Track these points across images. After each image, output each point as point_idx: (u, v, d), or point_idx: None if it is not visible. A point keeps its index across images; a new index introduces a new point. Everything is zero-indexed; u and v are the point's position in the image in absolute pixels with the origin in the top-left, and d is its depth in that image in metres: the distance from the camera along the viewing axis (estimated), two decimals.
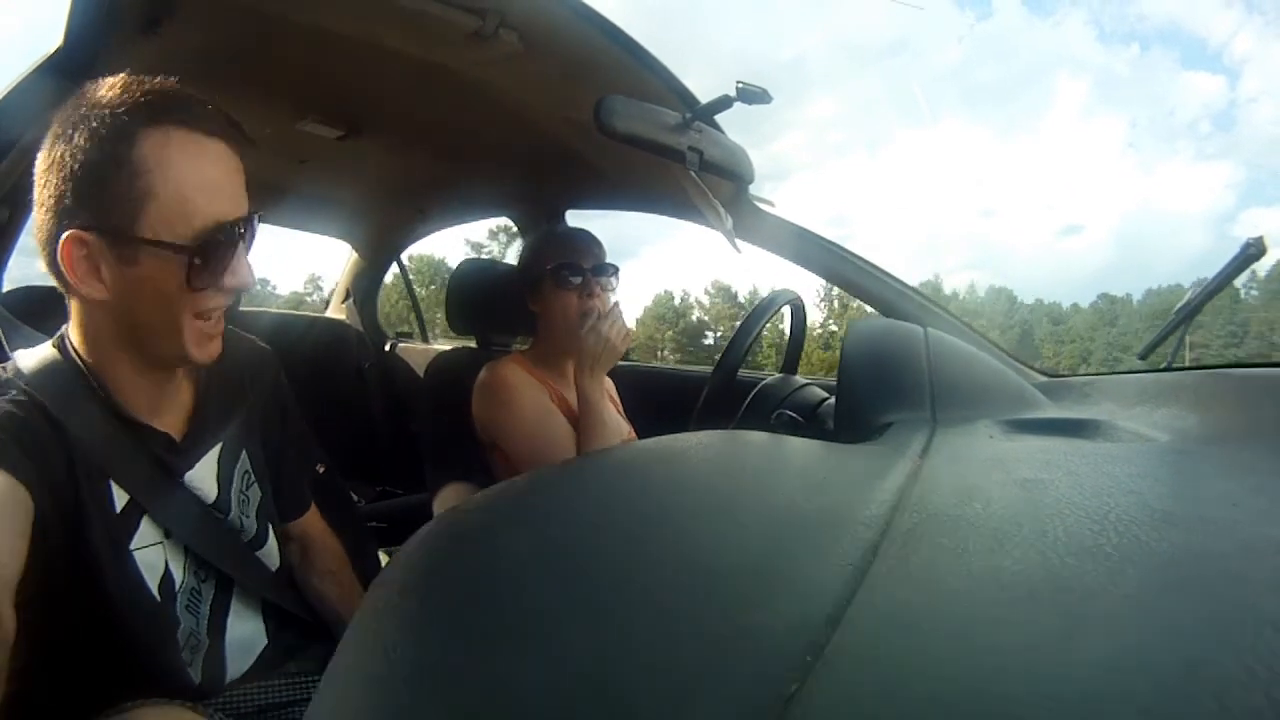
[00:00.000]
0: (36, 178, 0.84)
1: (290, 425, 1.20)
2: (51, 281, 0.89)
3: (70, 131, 0.82)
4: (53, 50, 1.11)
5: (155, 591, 0.95)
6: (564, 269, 1.59)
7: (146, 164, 0.82)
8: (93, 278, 0.83)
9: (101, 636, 0.92)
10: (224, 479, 1.04)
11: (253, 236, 0.91)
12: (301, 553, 1.23)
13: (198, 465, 1.01)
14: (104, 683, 0.91)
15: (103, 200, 0.81)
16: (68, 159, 0.81)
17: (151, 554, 0.95)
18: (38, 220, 0.85)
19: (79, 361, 0.91)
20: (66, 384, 0.89)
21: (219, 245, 0.86)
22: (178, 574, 0.98)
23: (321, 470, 1.32)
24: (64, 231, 0.82)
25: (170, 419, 0.99)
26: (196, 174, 0.85)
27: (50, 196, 0.83)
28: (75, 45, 1.11)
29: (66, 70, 1.11)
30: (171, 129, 0.83)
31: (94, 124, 0.81)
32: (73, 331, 0.91)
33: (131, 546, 0.93)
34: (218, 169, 0.87)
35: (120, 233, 0.82)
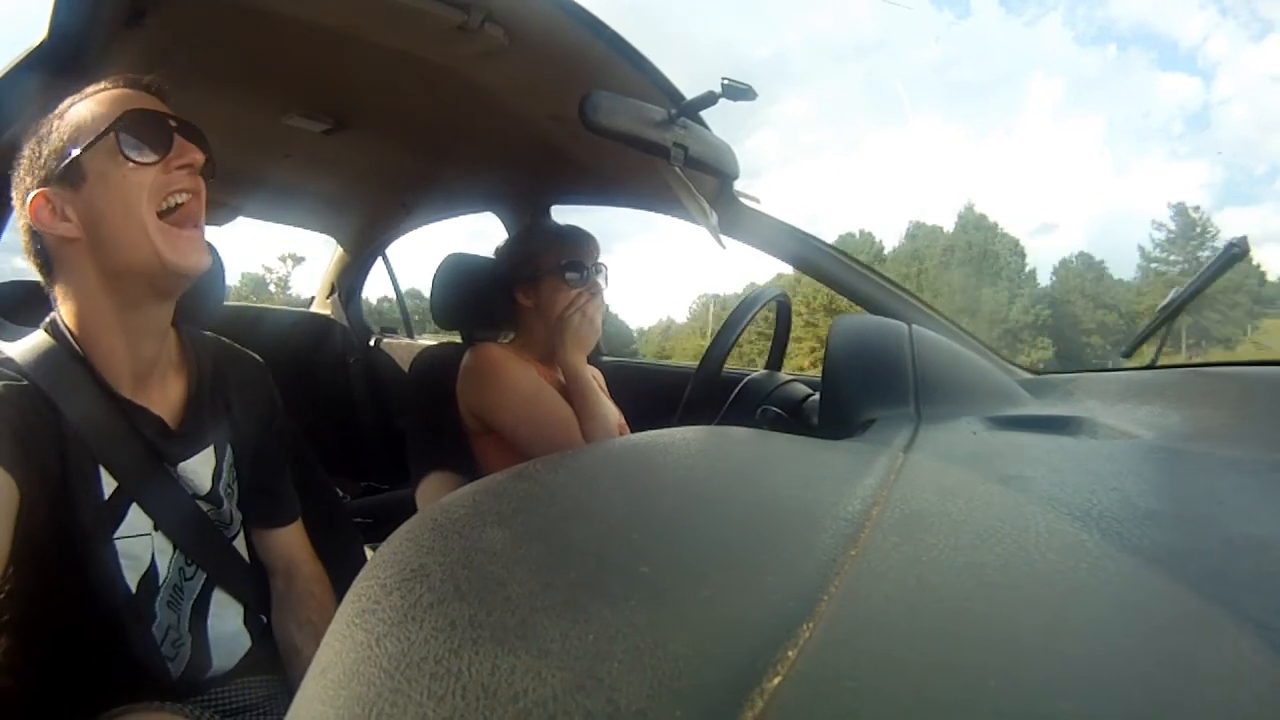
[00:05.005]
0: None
1: (275, 427, 1.18)
2: (31, 277, 0.94)
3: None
4: (36, 44, 1.10)
5: (132, 584, 0.94)
6: (570, 266, 1.60)
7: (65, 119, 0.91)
8: (61, 220, 0.88)
9: (78, 626, 0.92)
10: (216, 473, 1.04)
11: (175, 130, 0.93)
12: (284, 591, 1.13)
13: (193, 458, 1.01)
14: (81, 676, 0.91)
15: (44, 158, 0.89)
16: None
17: (137, 545, 0.95)
18: (16, 215, 0.91)
19: (70, 340, 0.91)
20: (58, 365, 0.90)
21: (136, 116, 0.90)
22: (163, 568, 0.97)
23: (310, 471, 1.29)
24: (27, 201, 0.88)
25: (163, 405, 0.99)
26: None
27: (17, 190, 0.91)
28: (59, 39, 1.10)
29: (51, 64, 1.10)
30: None
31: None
32: (61, 309, 0.93)
33: (115, 535, 0.93)
34: None
35: (64, 169, 0.88)
